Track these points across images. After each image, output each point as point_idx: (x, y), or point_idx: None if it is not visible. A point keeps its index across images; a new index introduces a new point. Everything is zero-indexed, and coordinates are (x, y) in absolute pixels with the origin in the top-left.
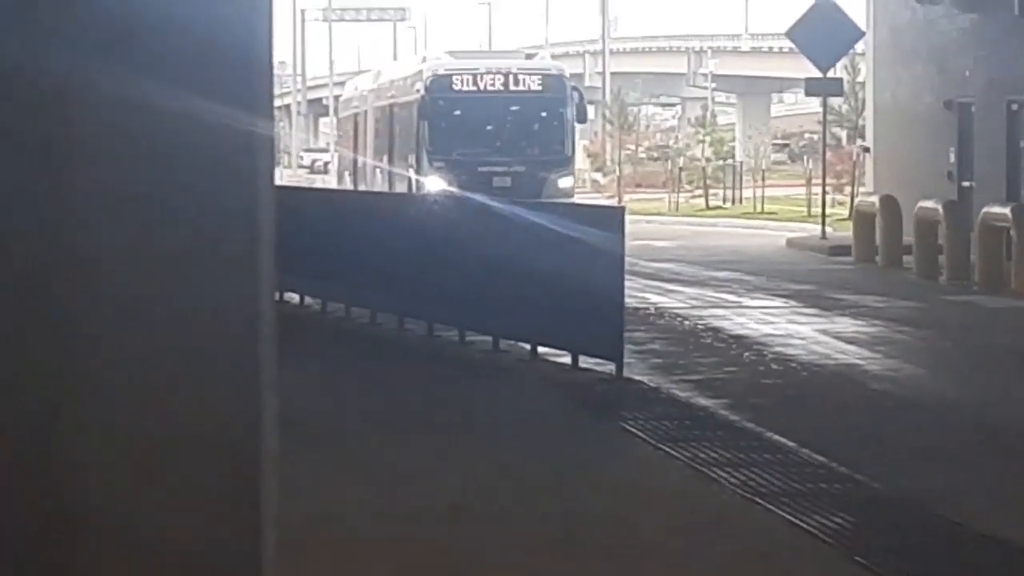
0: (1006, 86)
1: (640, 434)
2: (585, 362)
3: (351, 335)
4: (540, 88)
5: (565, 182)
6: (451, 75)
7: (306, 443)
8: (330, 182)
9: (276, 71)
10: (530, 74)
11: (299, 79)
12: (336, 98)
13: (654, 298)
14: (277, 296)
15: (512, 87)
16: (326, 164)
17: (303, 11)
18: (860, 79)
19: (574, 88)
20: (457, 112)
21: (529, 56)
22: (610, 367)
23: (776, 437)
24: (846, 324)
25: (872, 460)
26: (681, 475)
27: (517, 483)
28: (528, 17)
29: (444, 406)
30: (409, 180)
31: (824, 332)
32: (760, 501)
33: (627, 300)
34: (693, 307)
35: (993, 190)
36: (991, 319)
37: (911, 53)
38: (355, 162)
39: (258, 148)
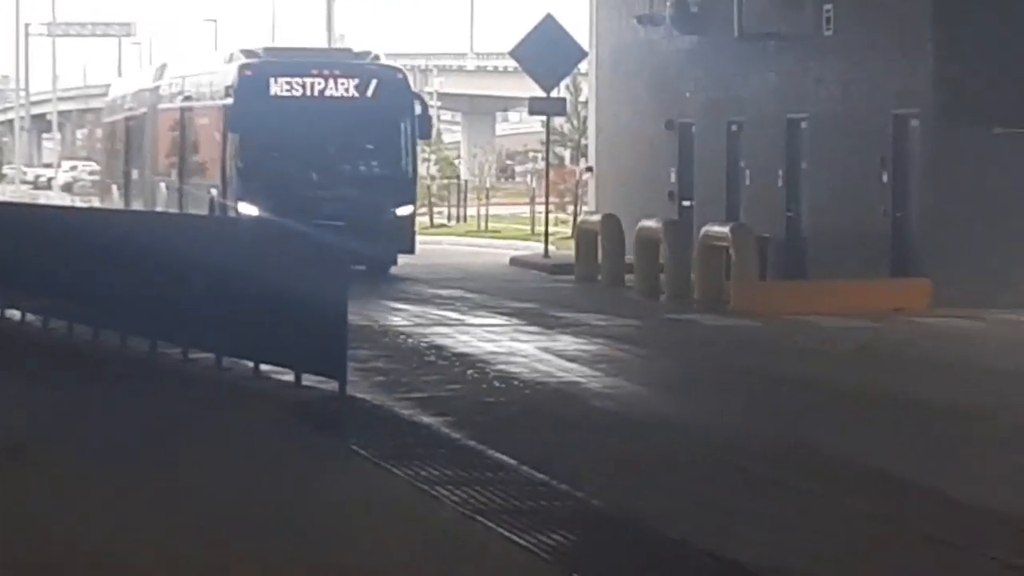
0: (726, 107)
1: (362, 452)
2: (308, 380)
3: (72, 353)
4: (379, 93)
5: (405, 210)
6: (269, 76)
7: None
8: (54, 198)
9: None
10: (366, 76)
11: (23, 94)
12: (67, 112)
13: (377, 316)
14: None
15: (344, 92)
16: (49, 180)
17: (27, 25)
18: (583, 99)
19: (416, 95)
20: (277, 122)
21: (359, 54)
22: (333, 385)
23: (498, 455)
24: (568, 342)
25: (592, 477)
26: (403, 493)
27: (242, 499)
28: (254, 32)
29: (166, 426)
30: (211, 202)
31: (546, 350)
32: (480, 519)
33: (350, 317)
34: (417, 325)
35: (713, 210)
36: (711, 337)
37: (633, 74)
38: (127, 177)
39: None
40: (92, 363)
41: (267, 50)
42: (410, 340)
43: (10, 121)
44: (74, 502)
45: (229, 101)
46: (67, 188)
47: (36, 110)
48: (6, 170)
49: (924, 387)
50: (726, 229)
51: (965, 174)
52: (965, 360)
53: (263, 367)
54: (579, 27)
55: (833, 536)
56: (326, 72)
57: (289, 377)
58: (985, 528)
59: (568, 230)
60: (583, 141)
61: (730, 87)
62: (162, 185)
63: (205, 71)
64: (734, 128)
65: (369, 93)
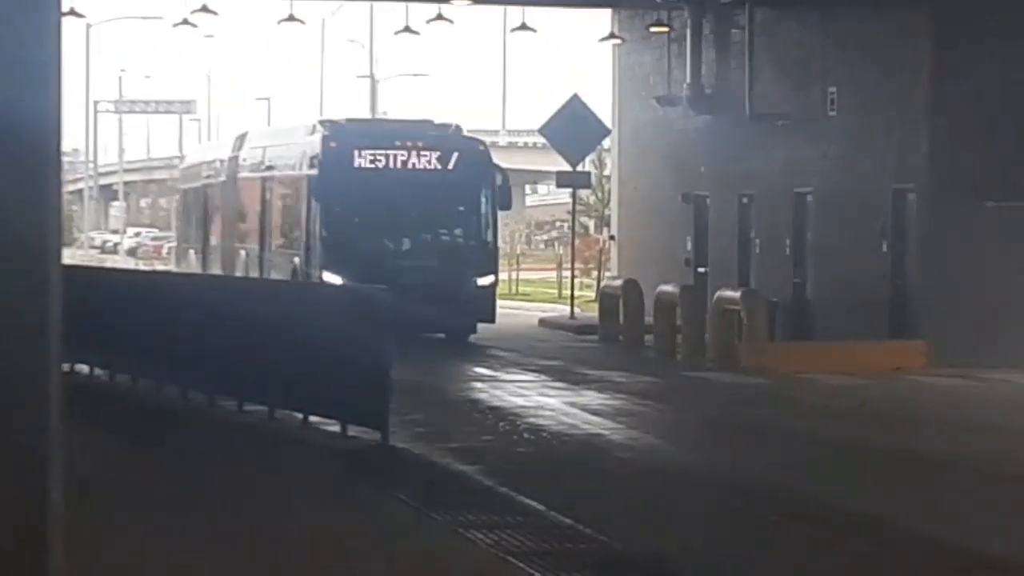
0: (737, 181)
1: (403, 498)
2: (353, 430)
3: (137, 405)
4: (461, 164)
5: (485, 280)
6: (353, 147)
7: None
8: (120, 262)
9: (69, 158)
10: (449, 147)
11: (91, 165)
12: (131, 182)
13: (421, 374)
14: (67, 367)
15: (427, 164)
16: (115, 245)
17: (96, 102)
18: (607, 172)
19: (497, 167)
20: (360, 193)
21: (440, 126)
22: (376, 435)
23: (527, 501)
24: (592, 397)
25: (615, 522)
26: (440, 536)
27: (295, 544)
28: (303, 109)
29: (222, 471)
30: (294, 270)
31: (572, 404)
32: (512, 560)
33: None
34: (453, 380)
35: (726, 276)
36: (723, 393)
37: (652, 149)
38: (204, 243)
39: (49, 230)
40: (155, 415)
41: (350, 121)
42: (447, 395)
43: (80, 191)
44: (140, 541)
45: (313, 171)
46: (132, 252)
47: (103, 180)
48: (76, 235)
49: (921, 441)
50: (738, 294)
51: (959, 243)
52: (960, 416)
53: (311, 418)
54: (603, 107)
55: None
56: (409, 144)
57: (335, 428)
58: (976, 572)
59: (592, 294)
60: (606, 211)
61: (741, 163)
62: (242, 252)
63: (286, 142)
64: (745, 201)
65: (451, 165)
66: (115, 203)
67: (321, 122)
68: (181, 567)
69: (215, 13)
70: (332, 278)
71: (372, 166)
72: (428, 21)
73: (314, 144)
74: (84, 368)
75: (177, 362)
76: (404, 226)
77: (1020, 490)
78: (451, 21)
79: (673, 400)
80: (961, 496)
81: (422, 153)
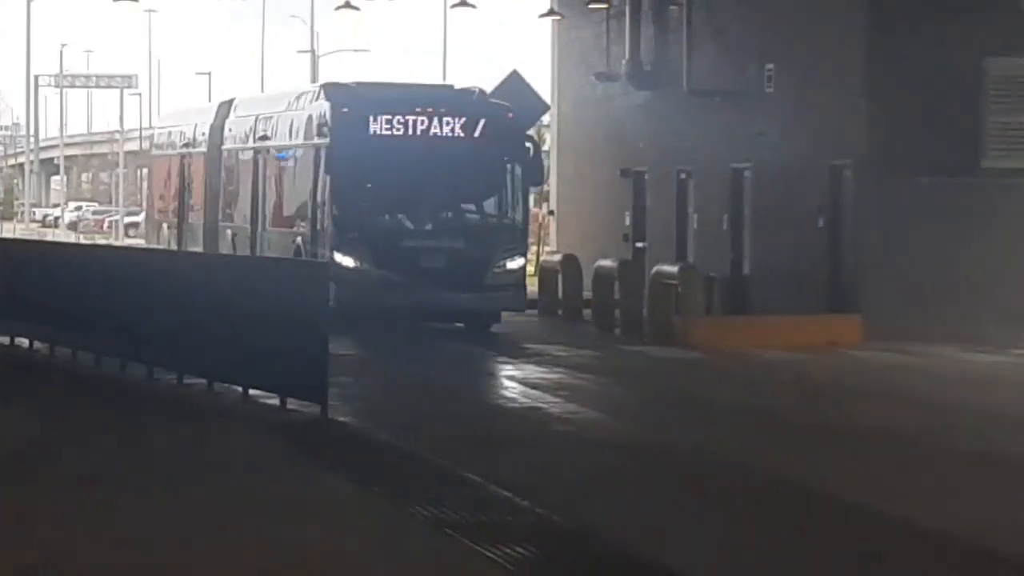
0: (676, 157)
1: (341, 471)
2: (293, 404)
3: (76, 378)
4: (487, 133)
5: (515, 262)
6: (369, 114)
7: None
8: (60, 236)
9: (9, 132)
10: (474, 114)
11: (32, 140)
12: (72, 156)
13: (358, 347)
14: (7, 340)
15: (451, 131)
16: (56, 219)
17: (36, 77)
18: (546, 148)
19: (528, 136)
20: (376, 165)
21: (463, 91)
22: (316, 409)
23: (467, 474)
24: (531, 371)
25: (553, 494)
26: (378, 508)
27: (232, 516)
28: (245, 85)
29: (163, 445)
30: (297, 251)
31: (511, 378)
32: (450, 532)
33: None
34: (392, 355)
35: (664, 251)
36: (660, 367)
37: (591, 125)
38: (180, 219)
39: None
40: (94, 387)
41: (360, 85)
42: (388, 369)
43: (21, 165)
44: (69, 511)
45: (321, 141)
46: (72, 226)
47: (44, 155)
48: (17, 209)
49: (853, 413)
50: (675, 269)
51: (894, 219)
52: (891, 389)
53: (252, 392)
54: (543, 82)
55: (767, 547)
56: (430, 109)
57: (275, 401)
58: (903, 540)
59: (532, 268)
60: (546, 187)
61: (680, 138)
62: (228, 231)
63: (285, 109)
64: (683, 176)
65: (477, 133)
66: (56, 177)
67: (327, 85)
68: (120, 540)
69: None
70: (345, 260)
71: (390, 135)
72: None
73: (322, 110)
74: (24, 341)
75: (117, 335)
76: (425, 202)
77: (946, 461)
78: None
79: (611, 374)
80: (890, 466)
81: (445, 120)
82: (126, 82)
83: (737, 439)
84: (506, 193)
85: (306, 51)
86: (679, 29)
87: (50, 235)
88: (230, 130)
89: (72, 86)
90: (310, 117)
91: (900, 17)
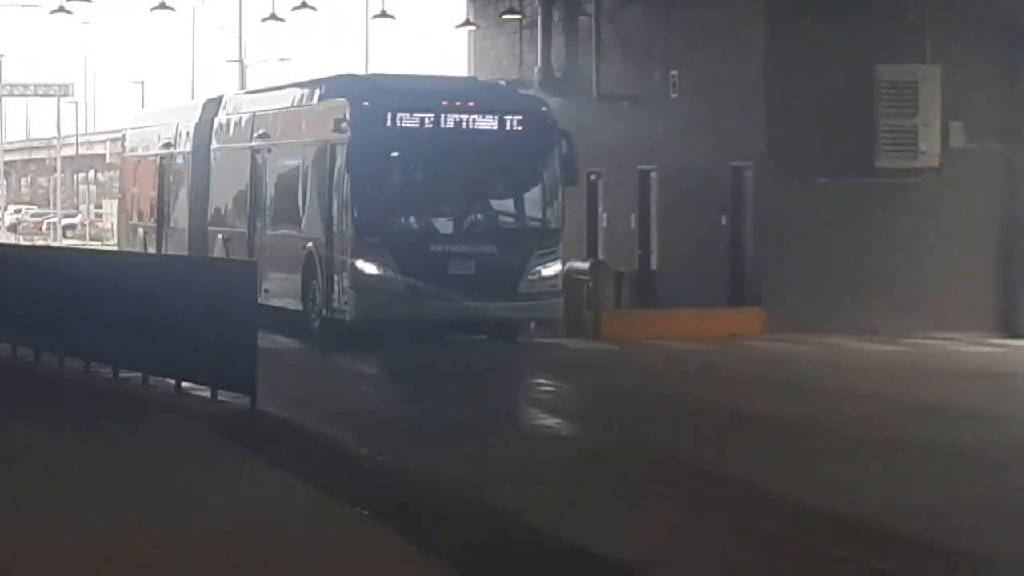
0: (586, 159)
1: (268, 458)
2: (223, 395)
3: (14, 371)
4: (519, 129)
5: (550, 268)
6: (391, 109)
7: None
8: (0, 238)
9: None
10: (506, 107)
11: None
12: (12, 162)
13: (283, 339)
14: None
15: (480, 127)
16: None
17: None
18: None
19: (563, 133)
20: (399, 162)
21: (490, 84)
22: (245, 400)
23: (389, 462)
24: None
25: (476, 479)
26: (304, 495)
27: (166, 504)
28: (178, 93)
29: (103, 433)
30: (309, 257)
31: (429, 370)
32: (367, 516)
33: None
34: (320, 350)
35: (576, 248)
36: (574, 358)
37: None
38: (159, 222)
39: None
40: (33, 381)
41: (379, 77)
42: (315, 362)
43: None
44: (10, 502)
45: (338, 137)
46: (12, 228)
47: None
48: None
49: (757, 401)
50: (586, 265)
51: (794, 217)
52: (790, 378)
53: (184, 384)
54: None
55: (669, 527)
56: (458, 102)
57: (206, 393)
58: (813, 524)
59: None
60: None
61: (590, 142)
62: (219, 235)
63: (290, 104)
64: (593, 177)
65: (509, 127)
66: None
67: (344, 77)
68: (54, 527)
69: (90, 1)
70: (366, 267)
71: (415, 130)
72: (293, 9)
73: (338, 105)
74: None
75: (54, 332)
76: (453, 203)
77: (850, 445)
78: (314, 8)
79: (526, 365)
80: (794, 453)
81: (475, 114)
82: (63, 91)
83: (643, 425)
84: (540, 193)
85: (235, 61)
86: (588, 39)
87: None
88: (220, 128)
89: (11, 95)
90: (323, 112)
91: (796, 26)
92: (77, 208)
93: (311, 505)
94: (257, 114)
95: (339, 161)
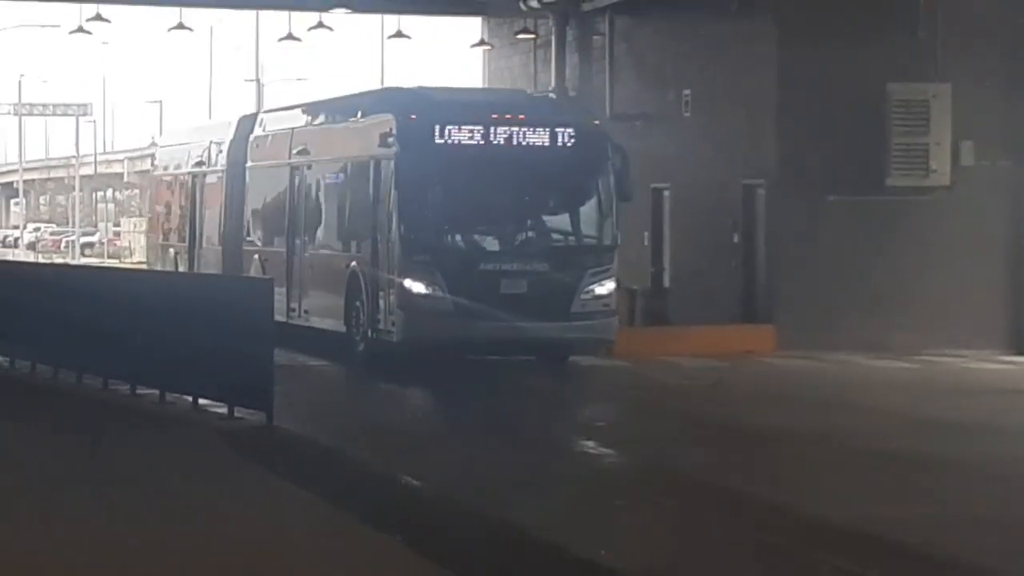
0: None
1: (283, 472)
2: (240, 412)
3: (33, 388)
4: (572, 144)
5: (603, 287)
6: (439, 123)
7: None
8: (20, 255)
9: None
10: (557, 122)
11: None
12: (31, 180)
13: (301, 357)
14: None
15: (531, 142)
16: (16, 239)
17: None
18: None
19: (617, 147)
20: (449, 180)
21: (540, 98)
22: (262, 416)
23: (404, 476)
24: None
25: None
26: (314, 508)
27: (180, 517)
28: (195, 113)
29: (121, 448)
30: (352, 276)
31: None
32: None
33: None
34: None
35: None
36: (589, 374)
37: None
38: (192, 241)
39: None
40: (50, 397)
41: (425, 89)
42: (324, 376)
43: None
44: (23, 514)
45: (383, 152)
46: (31, 246)
47: (4, 179)
48: None
49: (769, 416)
50: None
51: (804, 234)
52: (803, 394)
53: (201, 401)
54: None
55: (681, 540)
56: (508, 115)
57: (223, 409)
58: (816, 535)
59: None
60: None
61: None
62: (255, 255)
63: (334, 121)
64: None
65: (561, 142)
66: (15, 200)
67: (389, 90)
68: (73, 540)
69: (108, 21)
70: (415, 287)
71: (465, 144)
72: (309, 28)
73: (384, 119)
74: None
75: (74, 349)
76: (505, 220)
77: (859, 459)
78: (331, 28)
79: (545, 378)
80: (803, 466)
81: (527, 128)
82: (81, 110)
83: (657, 440)
84: (593, 209)
85: (252, 80)
86: (602, 58)
87: (10, 255)
88: (256, 146)
89: (30, 114)
90: (368, 127)
91: (807, 45)
92: (95, 226)
93: (318, 517)
94: (296, 130)
95: (385, 177)
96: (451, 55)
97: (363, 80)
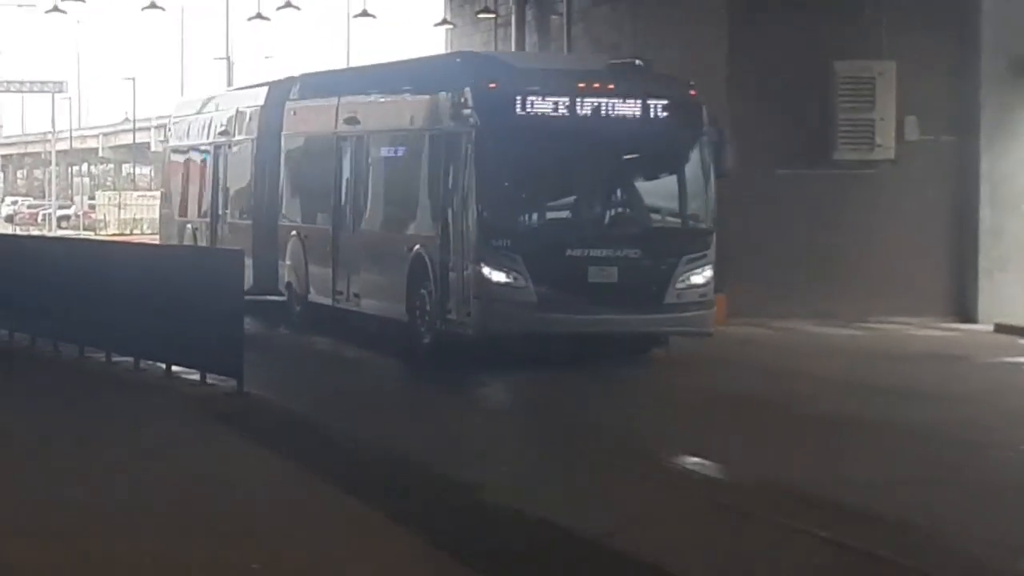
0: None
1: (253, 436)
2: (211, 379)
3: (10, 355)
4: (666, 116)
5: (700, 276)
6: (521, 94)
7: None
8: None
9: None
10: (649, 92)
11: None
12: (8, 155)
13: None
14: None
15: (621, 114)
16: None
17: None
18: None
19: (712, 117)
20: (532, 155)
21: (627, 63)
22: (232, 383)
23: (366, 438)
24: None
25: (449, 456)
26: (283, 469)
27: (155, 480)
28: (169, 91)
29: (93, 415)
30: (415, 260)
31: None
32: (341, 490)
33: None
34: (304, 333)
35: None
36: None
37: None
38: (213, 217)
39: None
40: (28, 364)
41: (499, 55)
42: (295, 346)
43: None
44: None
45: (456, 126)
46: (9, 219)
47: None
48: None
49: (718, 382)
50: None
51: (754, 207)
52: (753, 360)
53: (174, 368)
54: None
55: (642, 504)
56: (596, 84)
57: (196, 376)
58: (762, 496)
59: None
60: None
61: None
62: (293, 233)
63: (392, 90)
64: None
65: (654, 114)
66: None
67: (463, 54)
68: (50, 501)
69: (83, 0)
70: (494, 274)
71: (551, 116)
72: (278, 8)
73: (457, 88)
74: None
75: (50, 317)
76: (593, 201)
77: (804, 424)
78: (298, 8)
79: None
80: (758, 431)
81: (614, 99)
82: (56, 87)
83: (606, 408)
84: (689, 189)
85: (222, 58)
86: (560, 37)
87: None
88: (294, 113)
89: (7, 91)
90: (436, 96)
91: (756, 23)
92: (71, 200)
93: (287, 475)
94: (344, 99)
95: (458, 153)
96: (414, 34)
97: (330, 58)
